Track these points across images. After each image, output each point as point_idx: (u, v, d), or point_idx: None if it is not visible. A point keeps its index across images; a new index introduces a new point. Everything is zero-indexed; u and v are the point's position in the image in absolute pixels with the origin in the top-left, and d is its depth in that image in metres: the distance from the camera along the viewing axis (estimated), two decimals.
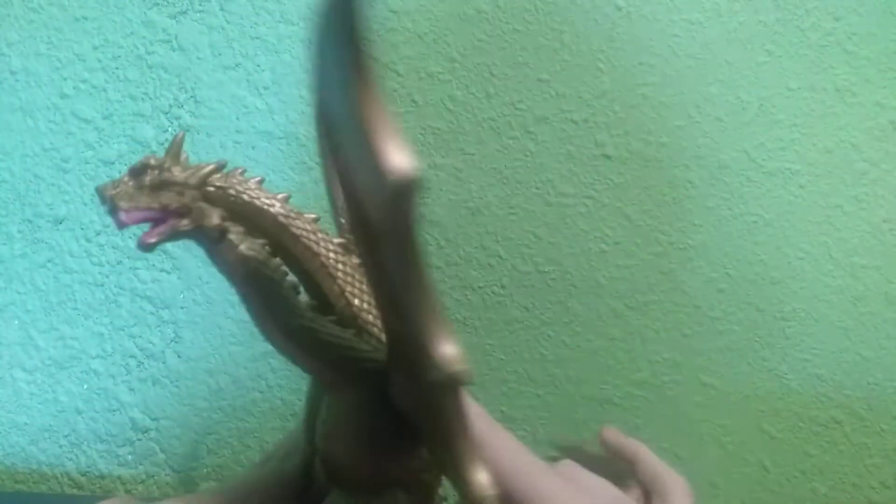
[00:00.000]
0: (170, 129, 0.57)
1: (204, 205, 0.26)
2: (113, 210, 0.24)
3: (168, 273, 0.58)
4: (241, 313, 0.59)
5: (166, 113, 0.57)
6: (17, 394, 0.61)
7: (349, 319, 0.28)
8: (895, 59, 0.53)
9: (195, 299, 0.57)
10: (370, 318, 0.28)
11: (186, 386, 0.58)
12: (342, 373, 0.27)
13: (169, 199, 0.25)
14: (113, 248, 0.58)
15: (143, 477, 0.59)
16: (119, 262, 0.58)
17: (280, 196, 0.28)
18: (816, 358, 0.54)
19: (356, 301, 0.28)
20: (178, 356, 0.58)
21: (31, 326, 0.60)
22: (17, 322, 0.60)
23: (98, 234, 0.59)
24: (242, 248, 0.26)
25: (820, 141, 0.53)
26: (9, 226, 0.60)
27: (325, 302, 0.28)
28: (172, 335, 0.58)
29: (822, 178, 0.53)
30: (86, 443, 0.60)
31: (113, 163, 0.58)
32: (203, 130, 0.57)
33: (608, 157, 0.54)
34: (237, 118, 0.57)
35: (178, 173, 0.25)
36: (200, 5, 0.57)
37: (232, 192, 0.26)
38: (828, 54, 0.53)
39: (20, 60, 0.59)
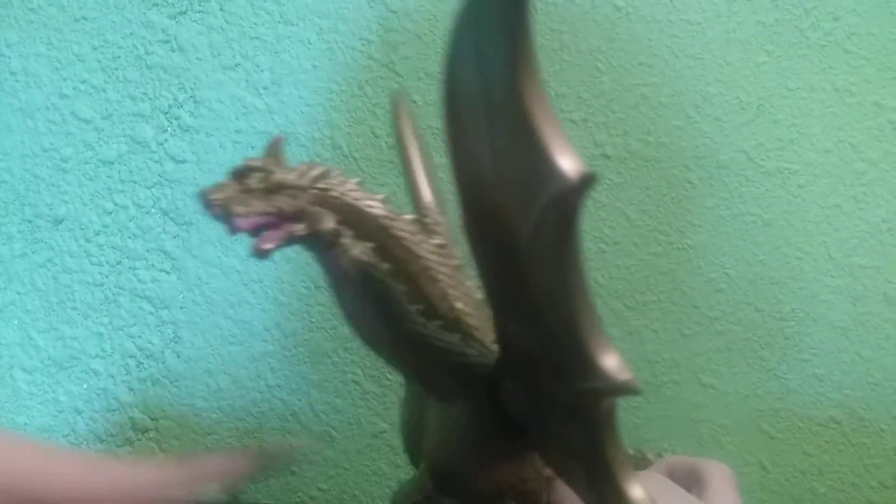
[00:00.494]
0: (169, 128, 0.58)
1: (318, 208, 0.25)
2: (226, 215, 0.23)
3: (167, 273, 0.58)
4: (240, 313, 0.59)
5: (166, 113, 0.57)
6: (16, 394, 0.61)
7: (453, 324, 0.27)
8: (894, 59, 0.53)
9: (195, 299, 0.57)
10: (473, 322, 0.28)
11: (186, 386, 0.58)
12: (453, 379, 0.27)
13: (283, 202, 0.24)
14: (112, 248, 0.59)
15: None
16: (118, 263, 0.58)
17: (379, 197, 0.27)
18: (815, 358, 0.54)
19: (459, 304, 0.27)
20: (178, 356, 0.58)
21: (30, 326, 0.60)
22: (16, 322, 0.60)
23: (97, 234, 0.59)
24: (356, 252, 0.25)
25: (819, 141, 0.53)
26: (8, 226, 0.60)
27: (429, 306, 0.27)
28: (172, 335, 0.58)
29: (820, 178, 0.53)
30: (85, 443, 0.60)
31: (112, 163, 0.58)
32: (202, 131, 0.57)
33: (607, 156, 0.54)
34: (236, 118, 0.57)
35: (288, 175, 0.24)
36: (200, 6, 0.57)
37: (335, 193, 0.25)
38: (827, 54, 0.53)
39: (19, 61, 0.59)
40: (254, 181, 0.24)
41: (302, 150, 0.56)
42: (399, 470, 0.57)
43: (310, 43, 0.56)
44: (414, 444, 0.31)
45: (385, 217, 0.27)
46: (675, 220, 0.54)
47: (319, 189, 0.25)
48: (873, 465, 0.54)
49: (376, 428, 0.57)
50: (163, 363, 0.58)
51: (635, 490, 0.22)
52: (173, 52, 0.57)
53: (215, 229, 0.57)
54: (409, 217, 0.28)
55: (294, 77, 0.56)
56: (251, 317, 0.57)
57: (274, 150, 0.25)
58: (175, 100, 0.57)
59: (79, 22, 0.58)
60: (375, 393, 0.57)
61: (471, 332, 0.28)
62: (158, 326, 0.58)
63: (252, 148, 0.57)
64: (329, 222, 0.25)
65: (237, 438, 0.58)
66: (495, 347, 0.27)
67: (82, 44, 0.58)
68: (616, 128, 0.54)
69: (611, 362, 0.20)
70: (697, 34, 0.53)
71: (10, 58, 0.59)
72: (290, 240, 0.24)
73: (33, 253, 0.60)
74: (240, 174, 0.24)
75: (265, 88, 0.56)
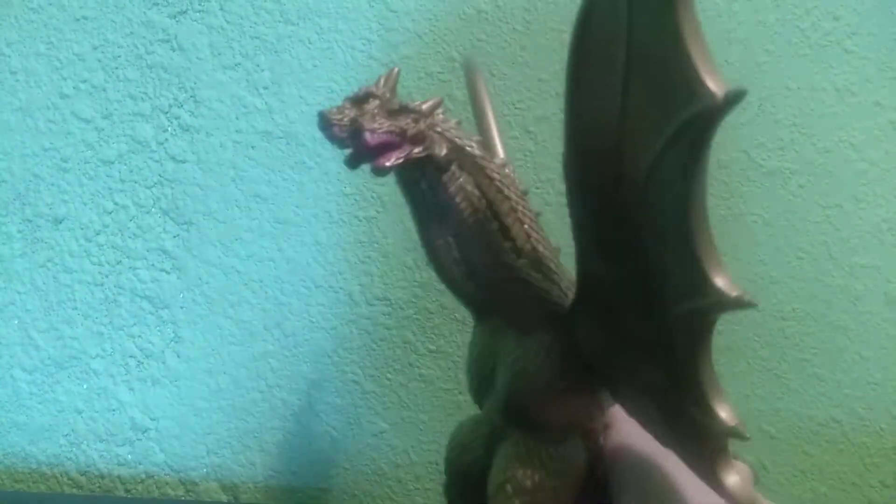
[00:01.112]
0: (169, 128, 0.57)
1: (434, 134, 0.26)
2: (355, 131, 0.24)
3: (168, 273, 0.58)
4: (240, 313, 0.59)
5: (166, 112, 0.57)
6: (16, 393, 0.61)
7: (536, 264, 0.29)
8: (895, 58, 0.53)
9: (195, 299, 0.57)
10: (552, 266, 0.29)
11: (186, 386, 0.58)
12: (534, 313, 0.29)
13: (407, 124, 0.25)
14: (112, 247, 0.58)
15: (143, 477, 0.59)
16: (118, 262, 0.58)
17: (476, 138, 0.28)
18: (816, 357, 0.54)
19: (540, 248, 0.29)
20: (178, 356, 0.58)
21: (30, 326, 0.60)
22: (16, 322, 0.60)
23: (98, 233, 0.59)
24: (462, 180, 0.27)
25: (819, 140, 0.53)
26: (8, 225, 0.60)
27: (515, 246, 0.28)
28: (172, 335, 0.58)
29: (821, 177, 0.53)
30: (85, 442, 0.60)
31: (113, 162, 0.58)
32: (203, 130, 0.57)
33: None
34: (237, 118, 0.57)
35: (412, 102, 0.26)
36: (200, 5, 0.57)
37: (439, 129, 0.27)
38: (827, 54, 0.53)
39: (20, 60, 0.59)
40: (372, 106, 0.25)
41: (302, 150, 0.56)
42: (399, 470, 0.57)
43: (310, 42, 0.56)
44: (483, 380, 0.32)
45: (481, 157, 0.28)
46: None
47: (436, 122, 0.27)
48: (874, 464, 0.54)
49: (376, 427, 0.57)
50: (163, 363, 0.58)
51: (726, 411, 0.23)
52: (173, 51, 0.57)
53: (216, 229, 0.57)
54: (501, 160, 0.30)
55: (294, 76, 0.56)
56: (251, 317, 0.57)
57: (391, 80, 0.27)
58: (175, 99, 0.57)
59: (79, 21, 0.58)
60: (375, 393, 0.57)
61: (549, 276, 0.29)
62: (158, 326, 0.58)
63: (252, 147, 0.57)
64: (444, 148, 0.26)
65: (237, 438, 0.58)
66: (569, 292, 0.29)
67: (82, 43, 0.58)
68: None
69: (724, 282, 0.22)
70: None
71: (10, 57, 0.59)
72: (409, 160, 0.26)
73: (33, 252, 0.60)
74: (358, 99, 0.26)
75: (265, 88, 0.56)
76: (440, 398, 0.56)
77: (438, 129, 0.27)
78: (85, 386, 0.59)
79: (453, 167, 0.27)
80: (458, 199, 0.27)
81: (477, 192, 0.27)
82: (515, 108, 0.55)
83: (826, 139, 0.53)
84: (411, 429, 0.57)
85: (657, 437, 0.28)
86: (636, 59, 0.22)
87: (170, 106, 0.57)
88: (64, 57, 0.58)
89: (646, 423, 0.28)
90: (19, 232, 0.60)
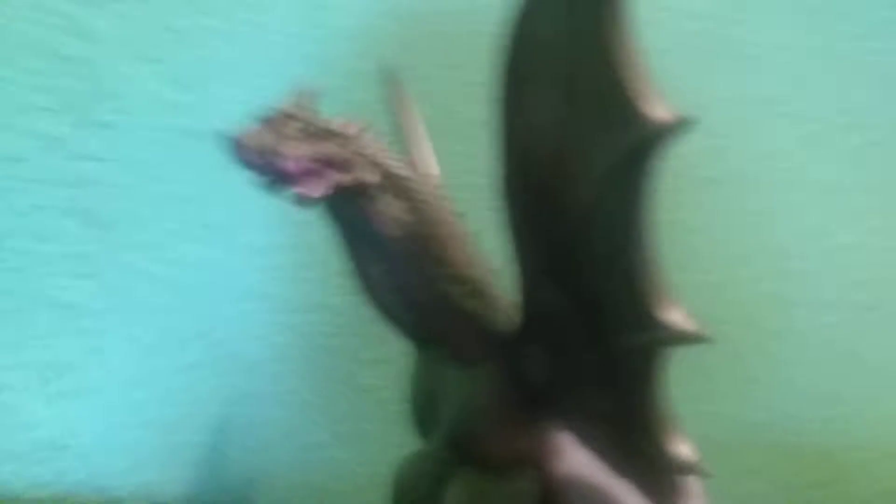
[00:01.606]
0: (86, 125, 0.54)
1: (364, 160, 0.24)
2: (273, 158, 0.22)
3: (86, 279, 0.54)
4: (165, 321, 0.55)
5: (82, 108, 0.53)
6: None
7: (476, 290, 0.27)
8: (816, 70, 0.53)
9: (116, 307, 0.54)
10: (493, 291, 0.28)
11: (108, 399, 0.55)
12: (477, 344, 0.27)
13: (331, 150, 0.23)
14: (25, 252, 0.54)
15: (64, 496, 0.56)
16: (32, 268, 0.54)
17: (406, 160, 0.27)
18: (749, 361, 0.55)
19: (480, 273, 0.27)
20: (99, 367, 0.55)
21: None
22: None
23: (8, 237, 0.54)
24: (395, 208, 0.25)
25: (749, 149, 0.54)
26: None
27: (453, 272, 0.27)
28: (92, 345, 0.54)
29: (752, 185, 0.54)
30: None
31: (25, 160, 0.54)
32: (121, 127, 0.53)
33: None
34: (158, 114, 0.53)
35: (331, 124, 0.24)
36: None
37: (370, 151, 0.25)
38: (754, 66, 0.53)
39: None
40: (291, 129, 0.23)
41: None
42: (342, 482, 0.55)
43: (236, 36, 0.53)
44: (426, 414, 0.30)
45: (414, 181, 0.26)
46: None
47: (362, 144, 0.25)
48: (809, 464, 0.55)
49: (317, 440, 0.55)
50: (83, 375, 0.55)
51: (680, 447, 0.23)
52: (90, 43, 0.53)
53: (137, 232, 0.54)
54: (435, 181, 0.29)
55: (219, 72, 0.53)
56: (177, 325, 0.54)
57: (308, 99, 0.24)
58: (92, 94, 0.53)
59: None
60: (315, 404, 0.55)
61: (492, 303, 0.28)
62: (77, 336, 0.54)
63: (175, 146, 0.53)
64: (376, 175, 0.24)
65: (165, 455, 0.55)
66: (513, 318, 0.28)
67: None
68: None
69: (674, 315, 0.21)
70: None
71: None
72: (336, 189, 0.24)
73: None
74: (275, 121, 0.23)
75: (187, 85, 0.53)
76: (384, 408, 0.54)
77: (369, 152, 0.25)
78: None
79: (384, 194, 0.25)
80: (390, 228, 0.25)
81: (410, 219, 0.26)
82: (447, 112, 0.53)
83: (756, 148, 0.54)
84: (354, 440, 0.55)
85: (611, 466, 0.27)
86: (576, 75, 0.21)
87: (86, 101, 0.53)
88: None
89: (598, 453, 0.27)
90: None
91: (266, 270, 0.54)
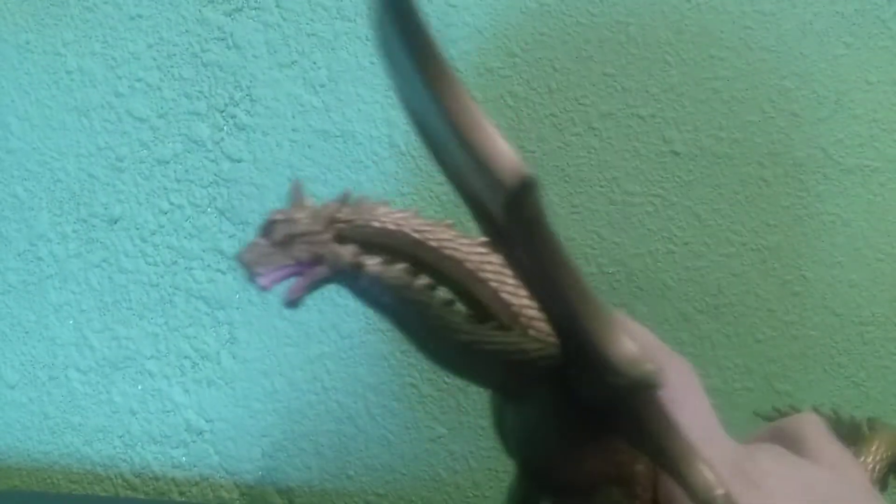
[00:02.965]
0: (225, 127, 0.57)
1: (335, 246, 0.24)
2: (251, 276, 0.24)
3: (223, 273, 0.57)
4: (296, 314, 0.58)
5: (221, 111, 0.57)
6: (71, 394, 0.60)
7: (510, 320, 0.26)
8: None
9: (250, 300, 0.57)
10: (533, 312, 0.27)
11: (241, 388, 0.58)
12: (519, 377, 0.26)
13: (300, 251, 0.24)
14: (168, 247, 0.58)
15: (198, 479, 0.59)
16: (174, 262, 0.58)
17: (409, 211, 0.26)
18: None
19: (514, 300, 0.27)
20: (234, 357, 0.58)
21: (85, 326, 0.60)
22: (71, 322, 0.60)
23: (153, 233, 0.58)
24: (383, 277, 0.25)
25: None
26: (64, 225, 0.60)
27: (480, 309, 0.26)
28: (228, 336, 0.58)
29: None
30: (140, 444, 0.59)
31: (168, 162, 0.58)
32: (259, 129, 0.56)
33: (677, 153, 0.52)
34: (293, 116, 0.56)
35: (302, 222, 0.24)
36: (256, 2, 0.56)
37: (360, 222, 0.25)
38: None
39: (75, 60, 0.59)
40: (278, 234, 0.24)
41: (359, 148, 0.55)
42: (457, 476, 0.55)
43: (367, 39, 0.55)
44: (505, 446, 0.30)
45: (416, 231, 0.26)
46: (748, 220, 0.52)
47: (344, 222, 0.25)
48: None
49: (434, 432, 0.56)
50: (218, 364, 0.58)
51: (704, 474, 0.21)
52: (229, 49, 0.56)
53: None
54: (445, 222, 0.27)
55: (351, 74, 0.55)
56: (307, 318, 0.56)
57: (295, 194, 0.25)
58: (231, 98, 0.56)
59: (134, 20, 0.58)
60: (433, 396, 0.55)
61: (532, 325, 0.27)
62: (214, 327, 0.58)
63: (309, 147, 0.56)
64: (346, 257, 0.24)
65: (292, 441, 0.57)
66: (552, 339, 0.26)
67: (137, 42, 0.58)
68: (686, 123, 0.52)
69: (624, 353, 0.19)
70: (772, 25, 0.51)
71: (66, 56, 0.59)
72: (317, 284, 0.24)
73: (88, 252, 0.59)
74: (266, 230, 0.24)
75: (322, 86, 0.55)
76: None
77: (359, 223, 0.25)
78: (140, 387, 0.59)
79: (371, 267, 0.25)
80: (385, 299, 0.25)
81: (407, 279, 0.25)
82: (579, 104, 0.53)
83: None
84: (470, 434, 0.55)
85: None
86: (447, 143, 0.19)
87: (225, 105, 0.57)
88: (119, 56, 0.58)
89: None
90: (74, 232, 0.60)
91: None
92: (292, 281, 0.24)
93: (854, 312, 0.52)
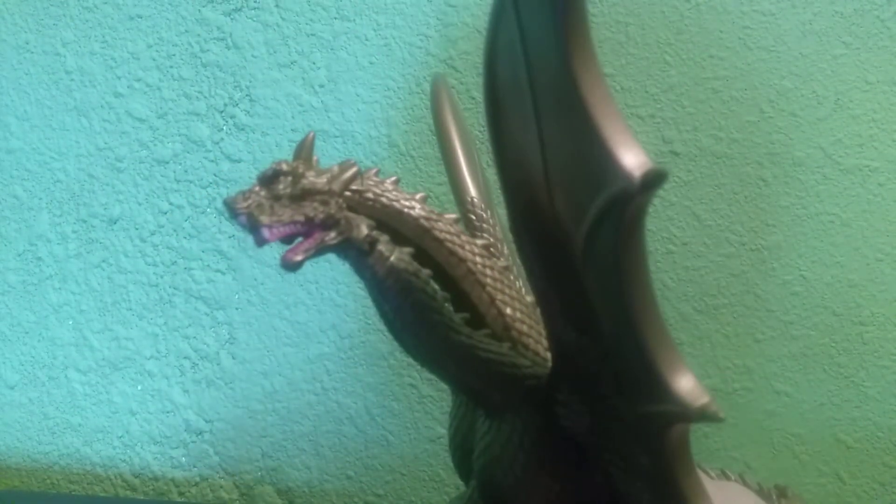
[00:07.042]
0: (224, 127, 0.57)
1: (350, 214, 0.23)
2: (253, 226, 0.22)
3: (223, 274, 0.57)
4: (295, 314, 0.58)
5: (221, 111, 0.57)
6: (71, 394, 0.60)
7: (502, 331, 0.25)
8: None
9: (250, 300, 0.57)
10: (524, 328, 0.26)
11: (241, 388, 0.57)
12: (501, 392, 0.25)
13: (313, 209, 0.22)
14: (167, 248, 0.58)
15: (197, 479, 0.59)
16: (173, 263, 0.58)
17: (418, 196, 0.25)
18: None
19: (508, 310, 0.25)
20: (233, 358, 0.57)
21: (85, 327, 0.60)
22: (71, 322, 0.60)
23: (152, 234, 0.58)
24: (393, 259, 0.23)
25: None
26: (63, 226, 0.60)
27: (476, 313, 0.25)
28: (227, 336, 0.57)
29: None
30: (139, 444, 0.59)
31: (167, 162, 0.58)
32: (258, 129, 0.56)
33: (676, 153, 0.52)
34: (292, 117, 0.56)
35: (316, 179, 0.23)
36: (255, 2, 0.56)
37: (370, 195, 0.24)
38: None
39: (75, 60, 0.59)
40: (282, 186, 0.22)
41: (358, 148, 0.55)
42: (457, 476, 0.55)
43: (367, 39, 0.55)
44: (463, 459, 0.29)
45: (425, 218, 0.25)
46: (747, 220, 0.52)
47: (353, 191, 0.24)
48: None
49: (433, 433, 0.56)
50: (218, 364, 0.58)
51: None
52: (228, 49, 0.56)
53: None
54: (452, 216, 0.26)
55: (351, 74, 0.55)
56: (307, 318, 0.56)
57: (304, 149, 0.23)
58: (230, 98, 0.56)
59: (133, 20, 0.58)
60: (433, 397, 0.55)
61: (522, 340, 0.26)
62: (213, 327, 0.58)
63: None
64: (363, 229, 0.23)
65: (292, 441, 0.57)
66: (549, 356, 0.25)
67: (137, 42, 0.58)
68: (685, 123, 0.52)
69: (685, 385, 0.18)
70: (771, 25, 0.51)
71: (65, 56, 0.59)
72: (322, 249, 0.23)
73: (88, 253, 0.59)
74: (267, 179, 0.23)
75: (321, 86, 0.55)
76: None
77: (370, 196, 0.23)
78: (139, 387, 0.59)
79: (381, 245, 0.23)
80: (389, 281, 0.23)
81: (413, 266, 0.23)
82: None
83: None
84: None
85: None
86: (546, 115, 0.18)
87: (225, 105, 0.56)
88: (119, 56, 0.58)
89: None
90: (74, 232, 0.60)
91: None
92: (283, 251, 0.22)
93: (853, 312, 0.52)
